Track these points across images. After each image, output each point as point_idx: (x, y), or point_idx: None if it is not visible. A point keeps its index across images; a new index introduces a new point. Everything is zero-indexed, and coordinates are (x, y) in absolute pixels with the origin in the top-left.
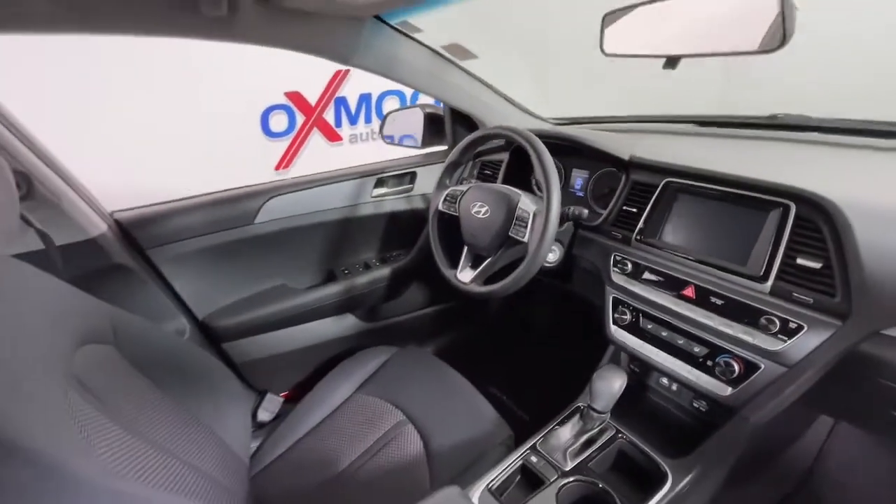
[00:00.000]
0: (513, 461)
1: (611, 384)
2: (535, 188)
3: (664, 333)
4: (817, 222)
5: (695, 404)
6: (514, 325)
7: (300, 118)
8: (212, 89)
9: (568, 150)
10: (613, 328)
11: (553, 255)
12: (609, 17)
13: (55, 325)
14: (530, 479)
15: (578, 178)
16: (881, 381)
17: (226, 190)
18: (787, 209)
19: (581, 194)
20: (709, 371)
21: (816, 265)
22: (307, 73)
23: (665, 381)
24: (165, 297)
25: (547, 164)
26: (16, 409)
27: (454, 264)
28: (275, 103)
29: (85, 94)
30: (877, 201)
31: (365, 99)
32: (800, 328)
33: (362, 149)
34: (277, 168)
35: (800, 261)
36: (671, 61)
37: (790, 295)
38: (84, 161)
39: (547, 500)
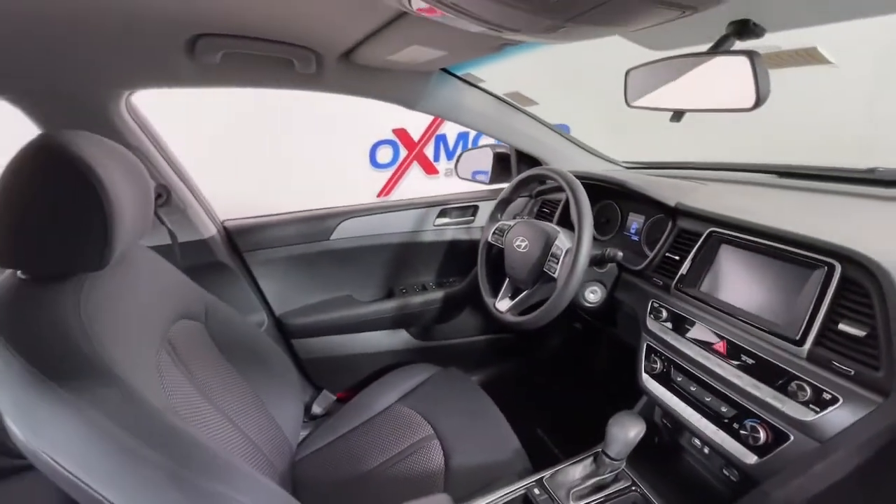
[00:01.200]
0: (515, 489)
1: (626, 431)
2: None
3: (693, 388)
4: (866, 286)
5: (725, 472)
6: (566, 364)
7: (403, 152)
8: (332, 123)
9: (626, 195)
10: (645, 377)
11: (594, 296)
12: (632, 72)
13: (163, 298)
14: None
15: (634, 222)
16: None
17: (310, 210)
18: (832, 269)
19: (636, 238)
20: (734, 434)
21: (860, 333)
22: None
23: (697, 442)
24: (252, 294)
25: (581, 204)
26: (121, 349)
27: (496, 293)
28: (383, 138)
29: (233, 129)
30: None
31: (462, 137)
32: (835, 400)
33: (455, 182)
34: (379, 195)
35: (842, 326)
36: (677, 115)
37: (829, 363)
38: (221, 178)
39: None
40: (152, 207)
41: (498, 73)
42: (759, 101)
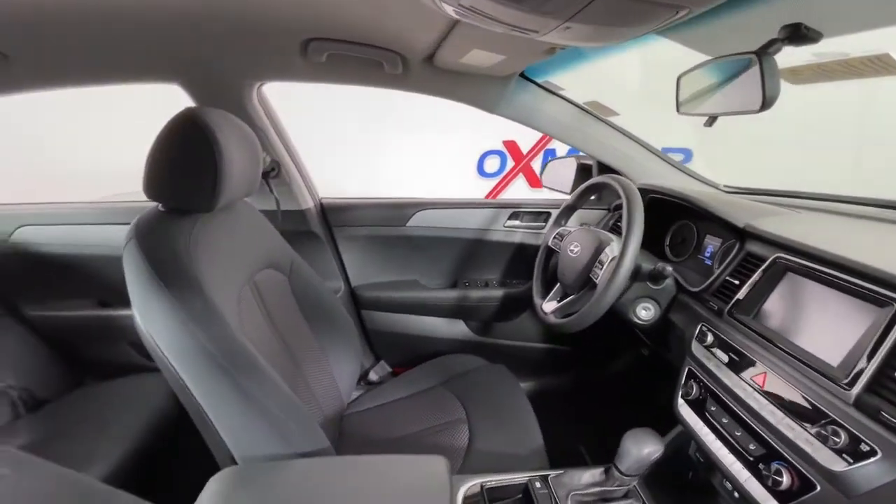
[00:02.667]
0: (517, 476)
1: (640, 446)
2: (666, 249)
3: (725, 420)
4: None
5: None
6: (621, 388)
7: (510, 163)
8: (447, 129)
9: (704, 217)
10: (680, 402)
11: (646, 313)
12: (683, 79)
13: (257, 246)
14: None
15: (710, 245)
16: None
17: (392, 198)
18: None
19: (709, 262)
20: (759, 476)
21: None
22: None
23: (729, 485)
24: (334, 263)
25: (632, 211)
26: (213, 274)
27: (545, 296)
28: (492, 148)
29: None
30: None
31: (573, 153)
32: (873, 453)
33: (558, 197)
34: None
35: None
36: (710, 120)
37: (877, 412)
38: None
39: None
40: (259, 175)
41: (584, 82)
42: (765, 104)
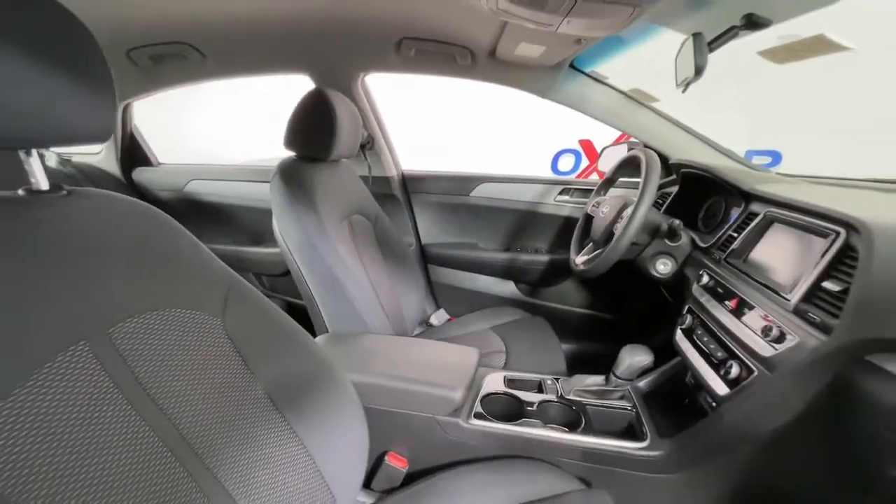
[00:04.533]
0: (533, 374)
1: (633, 356)
2: (699, 222)
3: (705, 339)
4: (858, 249)
5: (707, 400)
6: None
7: (585, 162)
8: (528, 127)
9: (732, 192)
10: (679, 335)
11: (665, 268)
12: (678, 60)
13: (353, 195)
14: (539, 388)
15: (734, 215)
16: (879, 427)
17: (459, 172)
18: (837, 236)
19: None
20: (718, 372)
21: (837, 288)
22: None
23: (708, 397)
24: (409, 222)
25: (649, 174)
26: (326, 202)
27: (579, 252)
28: (567, 147)
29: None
30: None
31: None
32: (791, 340)
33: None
34: None
35: (825, 284)
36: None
37: (805, 313)
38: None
39: (532, 399)
40: (358, 142)
41: (632, 71)
42: (697, 72)
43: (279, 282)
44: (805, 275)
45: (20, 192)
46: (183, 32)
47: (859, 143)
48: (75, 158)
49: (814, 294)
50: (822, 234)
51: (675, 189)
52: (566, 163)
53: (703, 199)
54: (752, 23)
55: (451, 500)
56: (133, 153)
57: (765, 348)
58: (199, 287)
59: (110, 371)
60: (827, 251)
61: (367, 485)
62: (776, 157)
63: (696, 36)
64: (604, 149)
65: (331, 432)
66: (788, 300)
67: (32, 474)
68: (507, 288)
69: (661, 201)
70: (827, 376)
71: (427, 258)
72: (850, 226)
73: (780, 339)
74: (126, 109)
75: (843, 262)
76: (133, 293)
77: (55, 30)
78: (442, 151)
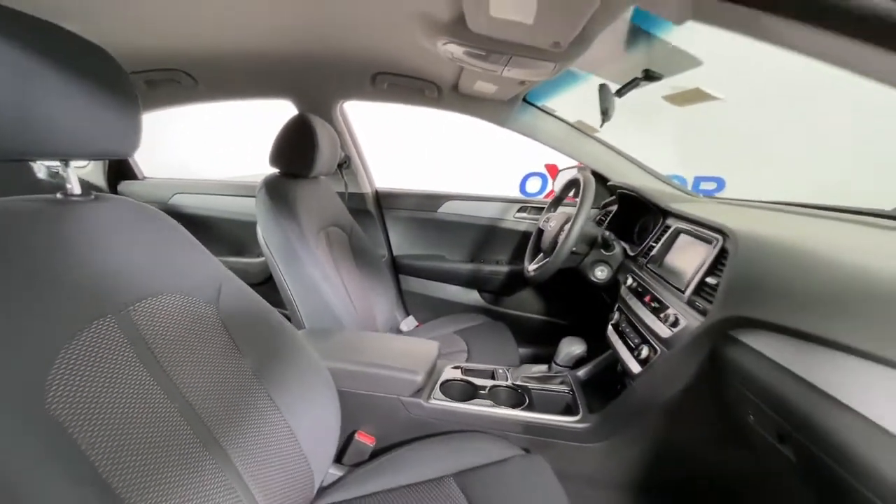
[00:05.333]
0: (487, 365)
1: (570, 346)
2: (634, 235)
3: (628, 330)
4: (729, 251)
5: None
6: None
7: (551, 185)
8: (497, 151)
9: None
10: (609, 329)
11: (602, 274)
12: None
13: (329, 209)
14: (492, 376)
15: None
16: (735, 384)
17: (428, 190)
18: (717, 242)
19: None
20: (633, 355)
21: (714, 282)
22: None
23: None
24: (381, 236)
25: (585, 193)
26: (305, 213)
27: (532, 261)
28: (534, 171)
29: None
30: (758, 235)
31: None
32: (681, 320)
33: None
34: None
35: (708, 279)
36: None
37: (694, 303)
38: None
39: (485, 384)
40: (336, 162)
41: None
42: (604, 115)
43: (258, 290)
44: (697, 273)
45: (58, 195)
46: (178, 60)
47: (791, 168)
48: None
49: (701, 288)
50: (708, 241)
51: (615, 207)
52: (533, 185)
53: (638, 215)
54: (649, 76)
55: (411, 468)
56: (119, 167)
57: (665, 332)
58: (197, 277)
59: (131, 342)
60: (710, 254)
61: (338, 459)
62: (720, 182)
63: (602, 86)
64: (559, 171)
65: (308, 410)
66: (684, 293)
67: (88, 418)
68: (472, 296)
69: (604, 218)
70: (705, 350)
71: (398, 269)
72: (724, 234)
73: (676, 323)
74: None
75: (721, 261)
76: (146, 279)
77: (93, 65)
78: (419, 173)
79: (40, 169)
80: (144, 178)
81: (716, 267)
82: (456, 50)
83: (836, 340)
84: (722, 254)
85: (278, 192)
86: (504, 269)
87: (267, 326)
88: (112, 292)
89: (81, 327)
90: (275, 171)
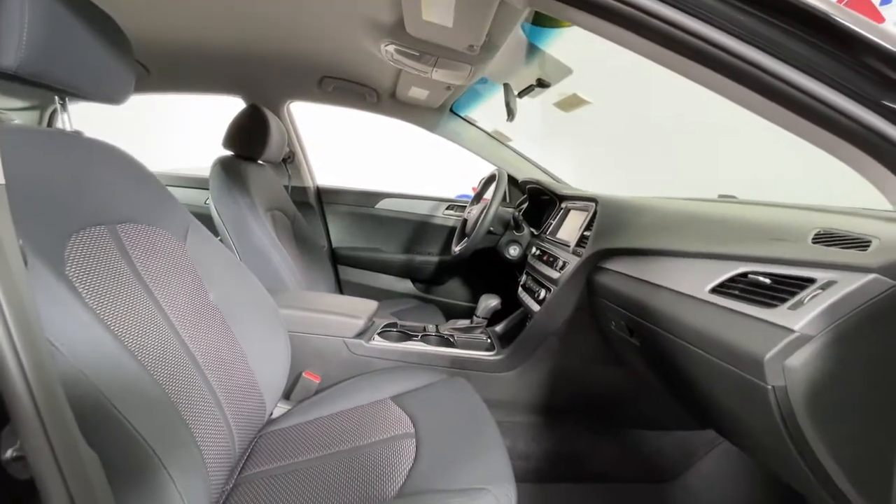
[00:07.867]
0: (420, 323)
1: (488, 301)
2: (542, 222)
3: (533, 286)
4: (598, 211)
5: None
6: None
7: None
8: (435, 169)
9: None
10: (520, 290)
11: (514, 251)
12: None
13: (276, 194)
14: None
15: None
16: (601, 299)
17: (367, 189)
18: (592, 207)
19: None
20: (534, 297)
21: (588, 234)
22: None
23: None
24: (322, 228)
25: (498, 184)
26: (254, 193)
27: (458, 244)
28: (464, 193)
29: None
30: (617, 198)
31: None
32: (567, 264)
33: None
34: None
35: (585, 232)
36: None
37: (576, 252)
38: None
39: (417, 332)
40: (282, 153)
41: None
42: (510, 115)
43: None
44: (578, 230)
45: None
46: None
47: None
48: None
49: (581, 240)
50: (586, 209)
51: (526, 204)
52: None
53: (545, 206)
54: (541, 83)
55: (352, 396)
56: None
57: (555, 274)
58: (170, 217)
59: (122, 255)
60: (587, 216)
61: (287, 397)
62: None
63: (506, 86)
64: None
65: (261, 346)
66: (569, 246)
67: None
68: (405, 285)
69: (518, 210)
70: (582, 280)
71: (337, 259)
72: (596, 201)
73: (563, 267)
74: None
75: (593, 219)
76: (129, 207)
77: (92, 20)
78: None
79: None
80: None
81: (590, 224)
82: (395, 51)
83: (657, 248)
84: (595, 214)
85: (233, 169)
86: (434, 259)
87: (228, 268)
88: (102, 209)
89: (84, 225)
90: (227, 153)
